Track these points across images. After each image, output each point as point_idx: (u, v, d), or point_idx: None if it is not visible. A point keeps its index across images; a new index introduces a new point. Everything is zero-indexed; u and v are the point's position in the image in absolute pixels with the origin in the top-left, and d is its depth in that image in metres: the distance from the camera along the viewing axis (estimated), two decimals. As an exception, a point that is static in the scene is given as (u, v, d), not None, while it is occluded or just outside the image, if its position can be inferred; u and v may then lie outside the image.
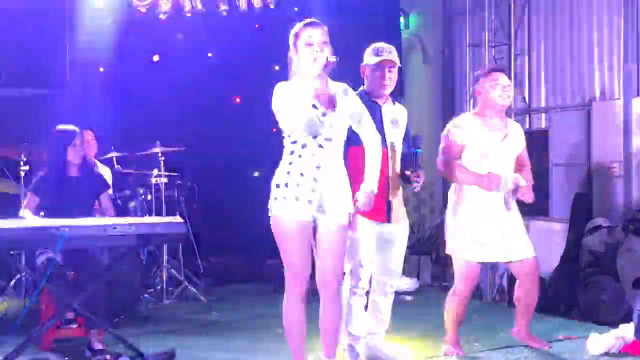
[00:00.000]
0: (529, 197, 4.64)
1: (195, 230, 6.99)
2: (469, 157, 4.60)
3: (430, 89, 9.09)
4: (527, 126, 7.71)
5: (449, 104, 8.90)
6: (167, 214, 6.53)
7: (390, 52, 4.42)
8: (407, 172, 4.40)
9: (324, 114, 3.75)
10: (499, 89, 4.65)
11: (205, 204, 7.37)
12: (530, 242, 4.77)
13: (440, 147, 4.68)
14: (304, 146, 3.76)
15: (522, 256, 4.68)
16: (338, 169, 3.83)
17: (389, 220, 4.41)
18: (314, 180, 3.73)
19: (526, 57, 7.73)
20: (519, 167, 4.80)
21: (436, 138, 9.22)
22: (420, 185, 4.42)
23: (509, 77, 7.50)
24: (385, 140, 4.37)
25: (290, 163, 3.76)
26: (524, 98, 7.75)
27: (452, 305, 4.70)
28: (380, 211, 4.36)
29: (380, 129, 4.35)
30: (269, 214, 3.80)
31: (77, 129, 5.15)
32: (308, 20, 3.84)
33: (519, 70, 7.78)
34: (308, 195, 3.73)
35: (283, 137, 3.86)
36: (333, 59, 3.75)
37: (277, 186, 3.77)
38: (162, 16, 7.17)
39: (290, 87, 3.79)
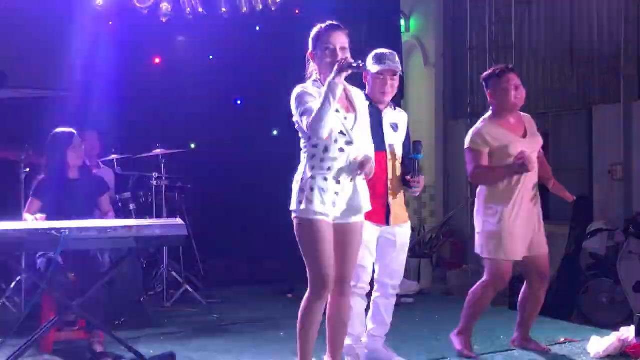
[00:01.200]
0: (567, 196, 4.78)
1: (196, 232, 6.99)
2: (500, 163, 4.61)
3: (430, 91, 9.10)
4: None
5: (450, 107, 8.90)
6: (168, 216, 6.52)
7: (392, 60, 4.42)
8: (407, 178, 4.41)
9: (345, 118, 3.77)
10: (513, 90, 4.65)
11: (206, 207, 7.37)
12: (545, 242, 4.80)
13: (468, 160, 4.63)
14: (326, 150, 3.76)
15: (542, 251, 4.70)
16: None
17: (387, 223, 4.41)
18: (337, 183, 3.76)
19: (527, 60, 7.72)
20: (539, 162, 4.80)
21: (437, 140, 9.24)
22: (420, 191, 4.43)
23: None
24: (384, 144, 4.37)
25: (313, 167, 3.77)
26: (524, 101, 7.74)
27: (479, 300, 4.70)
28: (380, 214, 4.36)
29: (380, 133, 4.36)
30: (293, 217, 3.81)
31: (74, 130, 5.13)
32: (330, 22, 3.84)
33: (520, 73, 7.78)
34: (332, 197, 3.75)
35: (301, 140, 3.85)
36: (356, 63, 3.69)
37: (301, 190, 3.77)
38: (163, 18, 7.16)
39: (310, 90, 3.78)
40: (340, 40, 3.79)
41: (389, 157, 4.40)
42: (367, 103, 4.02)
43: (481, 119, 4.74)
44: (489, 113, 4.76)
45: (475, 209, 4.76)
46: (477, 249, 4.73)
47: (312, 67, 3.87)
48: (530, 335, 4.90)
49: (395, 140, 4.46)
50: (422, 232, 8.58)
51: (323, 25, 3.83)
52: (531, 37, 7.68)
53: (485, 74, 4.82)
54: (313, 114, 3.63)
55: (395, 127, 4.48)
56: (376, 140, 4.24)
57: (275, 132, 8.21)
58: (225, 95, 8.49)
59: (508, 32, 7.80)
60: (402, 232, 4.51)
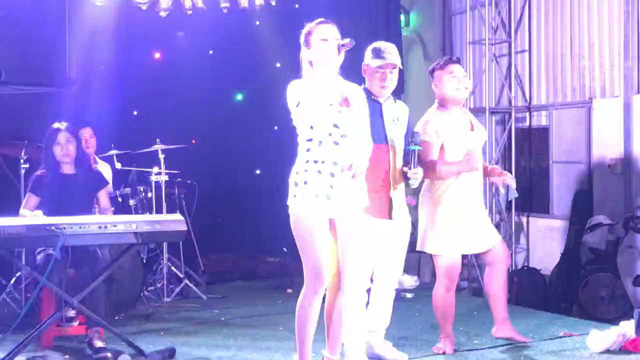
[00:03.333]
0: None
1: (196, 228, 6.99)
2: (452, 155, 4.61)
3: (430, 86, 9.07)
4: (527, 123, 7.70)
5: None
6: (168, 212, 6.52)
7: (391, 53, 4.41)
8: (405, 169, 4.39)
9: (339, 111, 3.77)
10: (456, 82, 4.65)
11: (205, 202, 7.36)
12: (496, 231, 4.87)
13: (426, 151, 4.59)
14: (320, 143, 3.77)
15: (493, 244, 4.72)
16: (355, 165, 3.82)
17: (390, 217, 4.40)
18: (331, 176, 3.75)
19: (527, 54, 7.71)
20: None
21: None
22: (419, 182, 4.42)
23: (509, 75, 7.62)
24: (385, 138, 4.37)
25: (307, 161, 3.78)
26: (524, 96, 7.73)
27: (439, 301, 4.71)
28: (383, 208, 4.36)
29: (381, 126, 4.36)
30: (289, 212, 3.81)
31: (62, 126, 5.10)
32: (320, 19, 3.88)
33: (520, 67, 7.77)
34: (326, 192, 3.74)
35: (297, 135, 3.85)
36: (346, 40, 3.76)
37: (296, 184, 3.78)
38: (162, 13, 7.14)
39: (304, 84, 3.81)
40: (334, 32, 3.81)
41: (390, 151, 4.39)
42: (364, 97, 4.01)
43: (428, 111, 4.74)
44: (434, 105, 4.75)
45: (420, 202, 4.76)
46: (420, 245, 4.73)
47: (306, 65, 3.86)
48: (512, 325, 4.91)
49: (396, 133, 4.45)
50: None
51: (313, 22, 3.86)
52: (531, 31, 7.66)
53: (431, 66, 4.81)
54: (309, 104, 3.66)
55: (396, 120, 4.48)
56: (377, 134, 4.24)
57: (275, 128, 8.19)
58: (225, 90, 8.48)
59: (507, 27, 7.79)
60: (402, 226, 4.51)
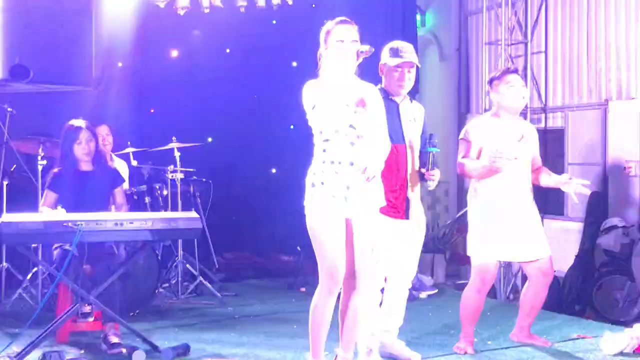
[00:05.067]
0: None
1: (211, 225, 7.01)
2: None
3: (446, 86, 9.07)
4: (543, 125, 7.67)
5: (465, 102, 8.87)
6: (183, 210, 6.54)
7: (409, 52, 4.42)
8: (422, 170, 4.41)
9: (355, 112, 3.79)
10: (514, 92, 4.66)
11: (220, 200, 7.38)
12: (546, 242, 4.77)
13: (460, 149, 4.68)
14: (336, 144, 3.78)
15: (538, 255, 4.67)
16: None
17: (407, 217, 4.41)
18: (348, 177, 3.76)
19: (543, 55, 7.68)
20: (534, 169, 4.81)
21: (451, 136, 9.22)
22: (435, 184, 4.42)
23: (525, 76, 7.59)
24: (403, 138, 4.38)
25: (324, 161, 3.79)
26: (540, 96, 7.71)
27: (468, 301, 4.71)
28: (400, 208, 4.37)
29: (399, 126, 4.36)
30: (305, 212, 3.83)
31: (83, 124, 5.13)
32: (340, 18, 3.88)
33: (536, 68, 7.74)
34: (343, 192, 3.75)
35: (313, 135, 3.87)
36: (366, 47, 3.77)
37: (313, 185, 3.80)
38: (180, 12, 7.18)
39: (320, 84, 3.82)
40: (351, 33, 3.82)
41: (407, 151, 4.39)
42: (381, 96, 4.02)
43: (482, 115, 4.79)
44: (491, 111, 4.82)
45: (468, 199, 4.76)
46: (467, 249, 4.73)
47: (323, 63, 3.88)
48: (531, 330, 4.91)
49: (413, 133, 4.46)
50: (436, 227, 8.56)
51: (333, 21, 3.86)
52: (547, 32, 7.63)
53: (490, 75, 4.90)
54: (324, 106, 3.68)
55: (413, 120, 4.49)
56: (394, 133, 4.26)
57: (291, 126, 8.19)
58: (242, 89, 8.49)
59: (524, 27, 7.76)
60: (418, 226, 4.51)
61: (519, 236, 4.64)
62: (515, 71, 4.84)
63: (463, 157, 4.67)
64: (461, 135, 4.72)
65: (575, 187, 4.71)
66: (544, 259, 4.72)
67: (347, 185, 3.77)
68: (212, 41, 8.14)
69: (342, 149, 3.78)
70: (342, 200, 3.76)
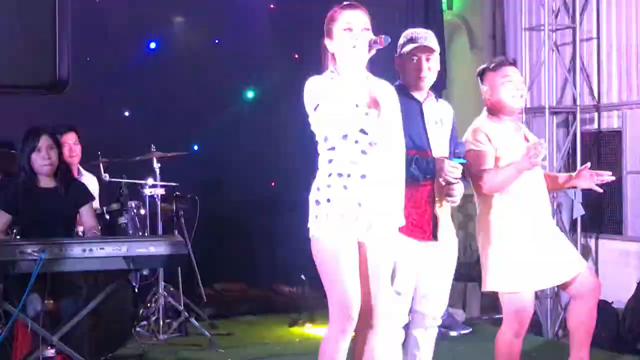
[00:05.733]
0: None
1: (198, 251, 7.01)
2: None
3: (478, 81, 9.07)
4: (595, 126, 7.65)
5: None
6: (164, 232, 6.54)
7: (426, 38, 4.42)
8: (442, 183, 4.35)
9: (366, 114, 3.75)
10: (512, 87, 4.60)
11: (209, 220, 7.38)
12: (579, 255, 4.79)
13: (472, 165, 4.50)
14: (345, 153, 3.76)
15: (579, 269, 4.66)
16: (387, 178, 3.81)
17: (435, 238, 4.37)
18: (360, 192, 3.74)
19: (595, 43, 7.67)
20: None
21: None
22: (458, 199, 4.37)
23: (573, 68, 7.57)
24: (428, 143, 4.34)
25: (330, 174, 3.76)
26: (592, 92, 7.69)
27: (504, 348, 4.66)
28: (425, 227, 4.31)
29: (422, 129, 4.33)
30: (310, 236, 3.80)
31: (43, 130, 5.13)
32: (347, 2, 3.86)
33: (586, 58, 7.73)
34: (354, 211, 3.73)
35: (317, 142, 3.84)
36: (381, 37, 3.74)
37: (317, 202, 3.77)
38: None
39: (325, 81, 3.79)
40: (361, 20, 3.79)
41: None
42: (399, 95, 3.99)
43: (476, 120, 4.68)
44: (483, 113, 4.70)
45: (477, 228, 4.69)
46: (483, 284, 4.67)
47: (329, 57, 3.86)
48: None
49: (440, 137, 4.43)
50: (469, 250, 8.54)
51: (338, 6, 3.84)
52: (599, 15, 7.62)
53: (480, 67, 4.75)
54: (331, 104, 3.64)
55: (439, 122, 4.46)
56: (418, 138, 4.23)
57: (293, 132, 8.18)
58: (233, 87, 8.50)
59: (571, 9, 7.75)
60: (448, 249, 4.47)
61: (551, 254, 4.58)
62: (514, 63, 4.73)
63: (483, 168, 4.53)
64: (473, 146, 4.54)
65: (593, 180, 4.68)
66: (585, 272, 4.70)
67: (359, 201, 3.74)
68: (198, 30, 8.16)
69: (352, 158, 3.75)
70: (352, 219, 3.74)
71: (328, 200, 3.74)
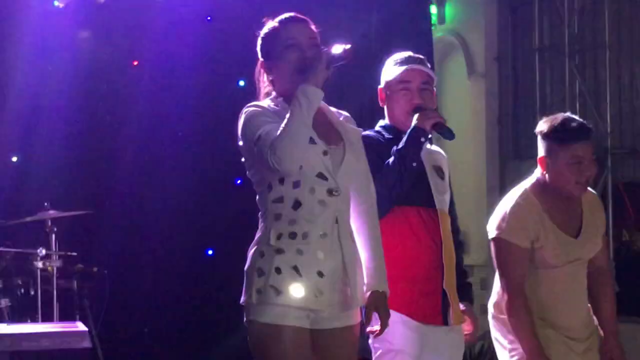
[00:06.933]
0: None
1: (106, 343, 6.96)
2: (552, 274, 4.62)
3: (479, 114, 9.15)
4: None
5: (510, 140, 8.95)
6: (61, 319, 6.49)
7: (420, 62, 4.46)
8: None
9: (324, 152, 3.71)
10: (578, 171, 4.51)
11: (123, 301, 7.34)
12: None
13: (498, 257, 4.63)
14: (296, 204, 3.68)
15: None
16: (354, 236, 3.82)
17: (445, 322, 4.36)
18: (320, 258, 3.68)
19: (624, 63, 7.81)
20: (596, 280, 4.82)
21: (489, 192, 9.27)
22: None
23: (600, 106, 7.65)
24: (432, 198, 4.36)
25: (280, 235, 3.67)
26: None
27: None
28: (434, 308, 4.32)
29: (425, 183, 4.35)
30: (245, 321, 3.74)
31: None
32: (286, 14, 3.86)
33: (615, 82, 7.83)
34: (313, 282, 3.65)
35: (258, 192, 3.79)
36: (340, 48, 3.68)
37: (260, 273, 3.68)
38: (57, 3, 7.27)
39: (266, 111, 3.75)
40: (306, 32, 3.80)
41: (440, 217, 4.36)
42: (386, 138, 4.04)
43: (517, 191, 4.66)
44: (530, 182, 4.67)
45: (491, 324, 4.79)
46: None
47: (266, 82, 3.87)
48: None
49: (442, 191, 4.45)
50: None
51: (276, 20, 3.84)
52: (632, 33, 7.75)
53: (543, 126, 4.61)
54: (278, 132, 3.56)
55: (439, 171, 4.48)
56: (417, 193, 4.27)
57: (238, 181, 8.16)
58: (157, 120, 8.44)
59: (597, 26, 7.87)
60: (457, 337, 4.48)
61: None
62: (588, 133, 4.58)
63: (512, 272, 4.62)
64: (495, 232, 4.59)
65: None
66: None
67: (319, 270, 3.68)
68: (112, 48, 8.17)
69: (307, 213, 3.67)
70: (311, 296, 3.66)
71: (277, 270, 3.66)
